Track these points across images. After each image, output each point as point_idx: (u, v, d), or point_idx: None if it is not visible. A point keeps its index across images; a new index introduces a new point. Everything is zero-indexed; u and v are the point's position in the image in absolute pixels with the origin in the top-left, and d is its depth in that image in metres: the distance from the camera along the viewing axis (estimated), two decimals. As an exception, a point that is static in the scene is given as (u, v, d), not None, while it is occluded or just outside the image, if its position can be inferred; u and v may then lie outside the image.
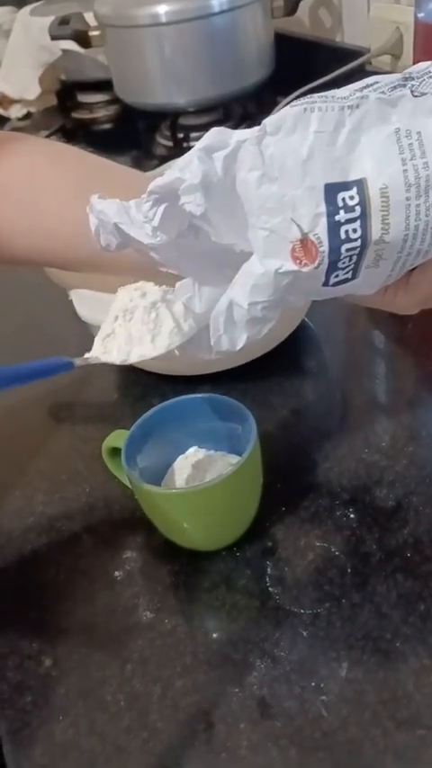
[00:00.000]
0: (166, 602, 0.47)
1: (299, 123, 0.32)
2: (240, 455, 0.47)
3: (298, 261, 0.33)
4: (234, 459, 0.50)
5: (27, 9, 1.30)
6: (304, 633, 0.44)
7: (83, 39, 1.05)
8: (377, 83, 0.34)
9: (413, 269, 0.38)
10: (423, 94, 0.33)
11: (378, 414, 0.59)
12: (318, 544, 0.48)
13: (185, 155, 0.34)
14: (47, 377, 0.47)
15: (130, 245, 0.37)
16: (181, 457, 0.52)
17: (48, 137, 1.27)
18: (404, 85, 0.33)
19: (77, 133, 1.30)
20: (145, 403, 0.64)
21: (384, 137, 0.32)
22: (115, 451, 0.50)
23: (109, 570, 0.50)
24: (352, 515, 0.50)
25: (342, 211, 0.32)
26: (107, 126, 1.30)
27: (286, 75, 1.04)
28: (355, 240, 0.33)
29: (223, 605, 0.46)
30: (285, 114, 0.32)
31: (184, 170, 0.33)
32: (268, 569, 0.48)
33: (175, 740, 0.40)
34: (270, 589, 0.46)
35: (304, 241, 0.33)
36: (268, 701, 0.41)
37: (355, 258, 0.34)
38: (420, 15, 0.68)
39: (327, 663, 0.42)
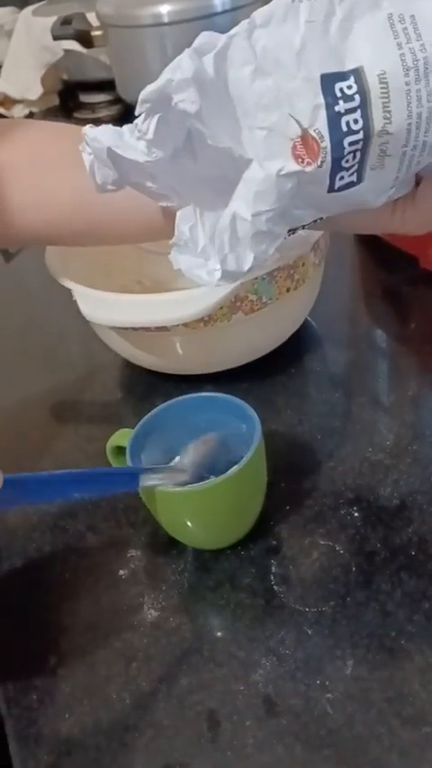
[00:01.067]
0: (171, 601, 0.47)
1: (289, 13, 0.31)
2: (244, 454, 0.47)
3: (300, 160, 0.32)
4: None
5: (29, 9, 1.30)
6: (309, 631, 0.44)
7: (85, 39, 1.05)
8: None
9: (418, 184, 0.38)
10: None
11: (382, 413, 0.59)
12: (322, 543, 0.49)
13: (174, 60, 0.32)
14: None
15: (126, 179, 0.36)
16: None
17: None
18: None
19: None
20: (148, 402, 0.64)
21: (377, 22, 0.31)
22: (119, 450, 0.50)
23: (114, 569, 0.50)
24: (356, 514, 0.50)
25: (341, 101, 0.31)
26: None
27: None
28: (358, 132, 0.32)
29: (228, 604, 0.46)
30: (274, 6, 0.31)
31: (174, 70, 0.31)
32: (273, 568, 0.48)
33: (180, 738, 0.40)
34: (275, 587, 0.46)
35: (305, 137, 0.31)
36: (273, 698, 0.41)
37: (358, 155, 0.33)
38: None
39: (332, 661, 0.42)
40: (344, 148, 0.32)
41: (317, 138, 0.31)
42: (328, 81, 0.31)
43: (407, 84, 0.31)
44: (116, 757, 0.40)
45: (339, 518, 0.50)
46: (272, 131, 0.32)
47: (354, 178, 0.33)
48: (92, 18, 1.09)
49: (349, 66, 0.31)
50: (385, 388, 0.63)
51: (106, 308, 0.57)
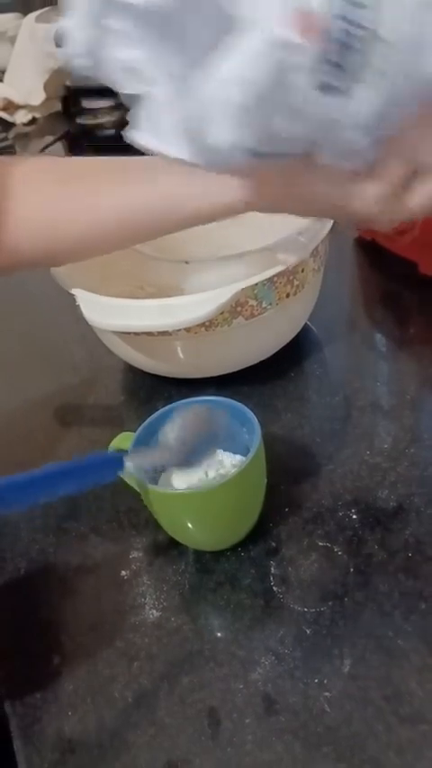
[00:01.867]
0: (172, 601, 0.48)
1: None
2: (245, 456, 0.48)
3: (300, 31, 0.31)
4: (239, 459, 0.51)
5: (32, 16, 1.32)
6: (308, 631, 0.44)
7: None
8: None
9: None
10: None
11: (380, 416, 0.60)
12: (321, 544, 0.49)
13: None
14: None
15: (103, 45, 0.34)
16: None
17: (53, 142, 1.29)
18: None
19: (82, 138, 1.31)
20: (150, 406, 0.65)
21: None
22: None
23: (116, 569, 0.51)
24: (354, 516, 0.51)
25: None
26: (111, 131, 1.31)
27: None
28: (362, 28, 0.31)
29: (228, 604, 0.47)
30: None
31: None
32: (272, 569, 0.48)
33: (181, 735, 0.41)
34: (274, 588, 0.47)
35: (309, 12, 0.30)
36: (273, 697, 0.42)
37: (353, 54, 0.31)
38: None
39: (330, 660, 0.43)
40: (341, 35, 0.31)
41: (321, 14, 0.30)
42: None
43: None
44: (119, 755, 0.41)
45: (338, 520, 0.51)
46: None
47: (341, 84, 0.32)
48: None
49: None
50: (384, 392, 0.63)
51: (109, 312, 0.58)
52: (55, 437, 0.66)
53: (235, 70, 0.31)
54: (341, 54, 0.31)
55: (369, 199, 0.39)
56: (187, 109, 0.34)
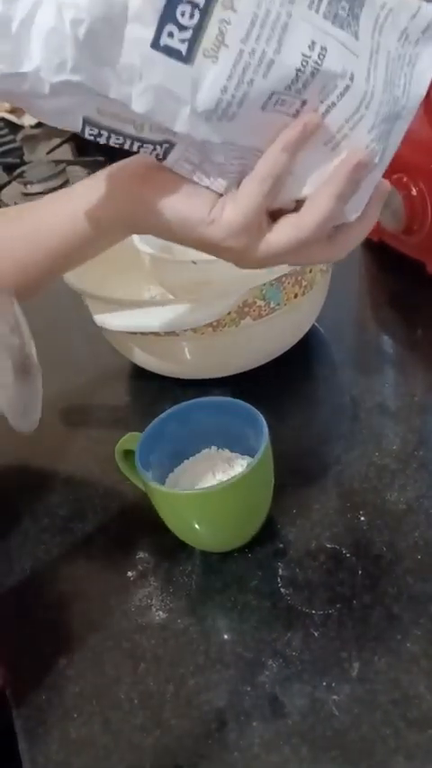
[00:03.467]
0: (179, 603, 0.48)
1: None
2: (253, 456, 0.47)
3: None
4: (246, 460, 0.51)
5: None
6: (315, 633, 0.44)
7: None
8: None
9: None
10: None
11: (388, 418, 0.60)
12: (329, 546, 0.49)
13: None
14: None
15: None
16: (193, 458, 0.53)
17: (60, 144, 1.29)
18: None
19: (89, 141, 1.31)
20: (157, 407, 0.64)
21: None
22: (128, 454, 0.51)
23: (122, 570, 0.51)
24: (362, 518, 0.51)
25: None
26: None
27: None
28: None
29: (235, 606, 0.47)
30: None
31: None
32: (280, 570, 0.48)
33: (188, 738, 0.41)
34: (282, 590, 0.47)
35: None
36: (280, 699, 0.41)
37: (197, 15, 0.30)
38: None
39: (338, 663, 0.42)
40: None
41: None
42: None
43: None
44: (124, 757, 0.41)
45: (346, 522, 0.51)
46: None
47: (183, 48, 0.30)
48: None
49: None
50: (392, 394, 0.63)
51: (116, 313, 0.58)
52: (61, 438, 0.66)
53: None
54: (182, 9, 0.29)
55: (225, 226, 0.37)
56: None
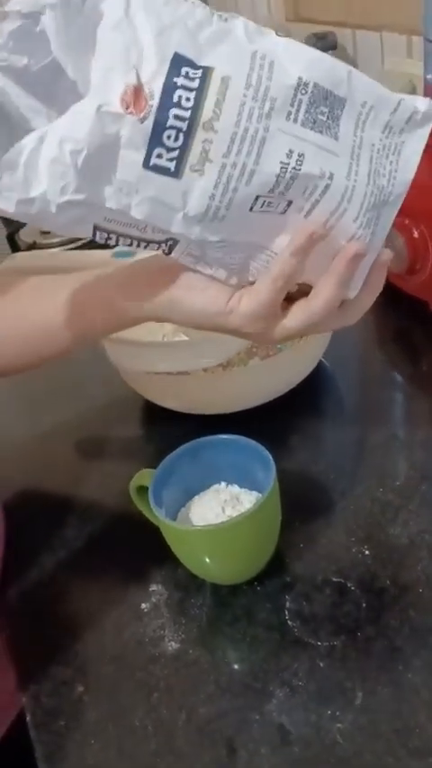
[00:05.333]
0: (191, 634, 0.50)
1: (171, 1, 0.34)
2: (261, 492, 0.50)
3: (126, 105, 0.33)
4: (255, 496, 0.53)
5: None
6: (321, 664, 0.46)
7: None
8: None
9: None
10: (286, 38, 0.35)
11: (392, 453, 0.62)
12: (334, 580, 0.51)
13: None
14: None
15: None
16: (204, 493, 0.55)
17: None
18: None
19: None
20: (168, 441, 0.66)
21: (242, 50, 0.34)
22: (142, 489, 0.53)
23: (136, 602, 0.53)
24: (367, 552, 0.53)
25: (182, 78, 0.33)
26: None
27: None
28: (186, 110, 0.33)
29: (244, 637, 0.49)
30: None
31: None
32: (287, 603, 0.50)
33: (199, 764, 0.43)
34: (289, 622, 0.49)
35: (138, 89, 0.33)
36: (287, 727, 0.43)
37: (181, 138, 0.33)
38: (429, 77, 0.72)
39: (342, 693, 0.44)
40: (168, 118, 0.33)
41: (148, 94, 0.33)
42: (179, 60, 0.33)
43: (244, 96, 0.34)
44: (139, 782, 0.43)
45: (351, 556, 0.53)
46: (111, 71, 0.33)
47: (171, 166, 0.34)
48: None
49: (203, 63, 0.34)
50: (396, 429, 0.65)
51: (131, 354, 0.61)
52: (76, 470, 0.68)
53: (68, 130, 0.33)
54: (168, 134, 0.33)
55: (243, 316, 0.40)
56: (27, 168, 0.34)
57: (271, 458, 0.50)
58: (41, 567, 0.58)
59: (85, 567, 0.57)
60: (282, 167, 0.35)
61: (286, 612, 0.50)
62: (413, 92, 1.00)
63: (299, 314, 0.40)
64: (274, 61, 0.34)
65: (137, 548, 0.57)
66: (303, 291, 0.41)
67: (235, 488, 0.55)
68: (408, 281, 0.78)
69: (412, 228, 0.72)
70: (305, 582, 0.51)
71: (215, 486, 0.55)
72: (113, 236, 0.37)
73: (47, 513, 0.64)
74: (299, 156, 0.35)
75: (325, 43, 1.09)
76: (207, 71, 0.33)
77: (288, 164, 0.35)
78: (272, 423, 0.67)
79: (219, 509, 0.53)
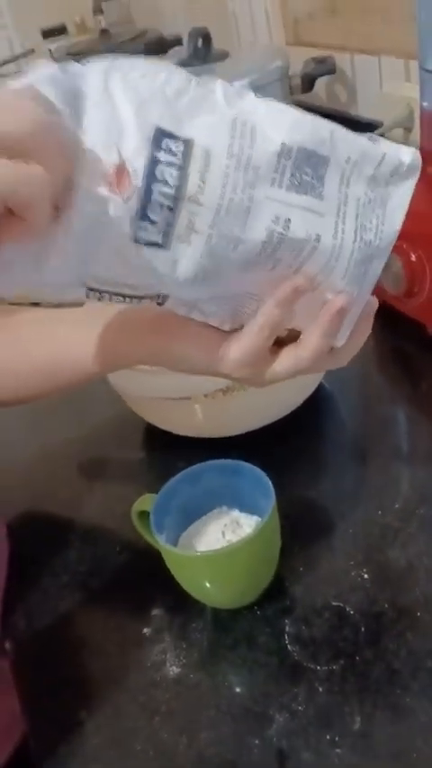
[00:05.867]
0: (191, 658, 0.51)
1: (149, 73, 0.34)
2: (261, 516, 0.51)
3: (109, 186, 0.33)
4: (254, 520, 0.54)
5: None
6: (320, 688, 0.47)
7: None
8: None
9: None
10: (265, 99, 0.35)
11: (391, 475, 0.63)
12: (333, 604, 0.52)
13: None
14: None
15: None
16: (204, 517, 0.56)
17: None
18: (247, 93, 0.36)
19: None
20: (170, 464, 0.67)
21: (222, 117, 0.34)
22: (144, 514, 0.54)
23: (138, 627, 0.54)
24: (366, 575, 0.53)
25: (164, 153, 0.33)
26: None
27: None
28: (171, 186, 0.33)
29: (245, 661, 0.50)
30: (139, 60, 0.34)
31: (35, 71, 0.32)
32: (287, 627, 0.51)
33: (199, 789, 0.43)
34: (288, 646, 0.50)
35: (121, 168, 0.33)
36: (287, 752, 0.44)
37: (166, 212, 0.34)
38: (425, 104, 0.73)
39: (341, 717, 0.45)
40: (152, 194, 0.33)
41: (131, 172, 0.33)
42: (160, 134, 0.33)
43: (227, 167, 0.34)
44: (140, 807, 0.43)
45: (350, 579, 0.53)
46: (93, 151, 0.33)
47: (159, 239, 0.34)
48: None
49: (184, 135, 0.34)
50: (395, 452, 0.66)
51: (131, 379, 0.62)
52: (78, 492, 0.69)
53: (62, 212, 0.34)
54: (153, 209, 0.34)
55: (232, 363, 0.41)
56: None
57: (270, 484, 0.51)
58: (45, 591, 0.58)
59: (88, 591, 0.58)
60: (268, 234, 0.35)
61: (286, 637, 0.50)
62: (411, 115, 1.02)
63: (287, 361, 0.41)
64: (256, 126, 0.34)
65: (139, 571, 0.58)
66: (293, 336, 0.41)
67: (235, 512, 0.56)
68: (406, 304, 0.79)
69: (410, 252, 0.74)
70: (305, 606, 0.52)
71: (216, 511, 0.56)
72: (106, 296, 0.38)
73: (50, 536, 0.64)
74: (285, 221, 0.35)
75: (324, 67, 1.11)
76: (188, 143, 0.34)
77: (274, 230, 0.35)
78: (272, 445, 0.67)
79: (219, 534, 0.53)
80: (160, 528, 0.51)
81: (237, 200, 0.34)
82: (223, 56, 1.08)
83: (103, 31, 1.58)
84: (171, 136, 0.33)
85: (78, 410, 0.81)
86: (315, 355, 0.40)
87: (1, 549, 0.62)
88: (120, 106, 0.33)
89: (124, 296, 0.38)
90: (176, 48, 1.50)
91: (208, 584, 0.51)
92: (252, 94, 0.35)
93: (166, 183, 0.33)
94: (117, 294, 0.38)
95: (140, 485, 0.68)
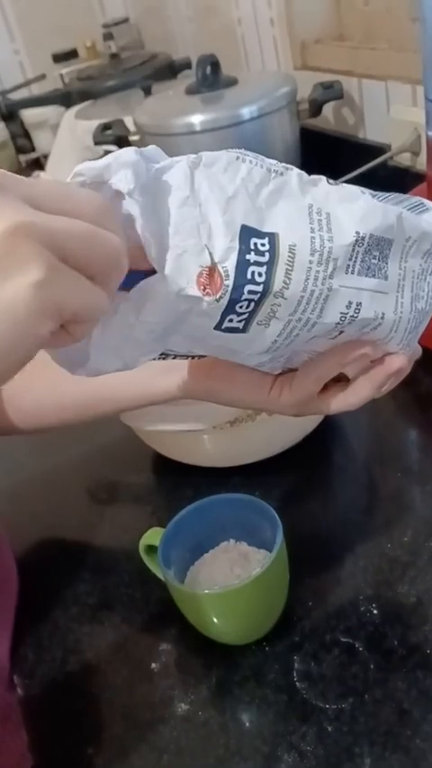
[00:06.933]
0: (200, 695, 0.50)
1: (230, 167, 0.35)
2: (269, 548, 0.51)
3: (202, 287, 0.34)
4: (262, 553, 0.54)
5: (72, 112, 1.41)
6: (329, 728, 0.46)
7: (123, 143, 1.13)
8: (291, 169, 0.37)
9: (295, 370, 0.43)
10: (336, 184, 0.37)
11: (401, 507, 0.62)
12: (343, 640, 0.51)
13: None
14: None
15: None
16: (212, 551, 0.56)
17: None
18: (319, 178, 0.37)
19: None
20: (178, 493, 0.68)
21: (299, 206, 0.35)
22: (151, 548, 0.54)
23: (146, 662, 0.53)
24: (375, 611, 0.53)
25: (253, 253, 0.34)
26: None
27: (312, 167, 1.10)
28: (259, 284, 0.34)
29: (253, 699, 0.49)
30: (220, 155, 0.35)
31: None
32: (295, 664, 0.51)
33: None
34: (297, 684, 0.49)
35: (212, 270, 0.34)
36: (295, 795, 0.43)
37: (252, 306, 0.35)
38: (430, 133, 0.73)
39: (350, 758, 0.44)
40: (242, 293, 0.35)
41: (223, 274, 0.34)
42: (247, 232, 0.34)
43: (310, 262, 0.35)
44: None
45: (359, 615, 0.53)
46: (184, 253, 0.34)
47: (240, 326, 0.36)
48: (129, 122, 1.18)
49: (267, 229, 0.35)
50: (405, 482, 0.66)
51: (143, 414, 0.62)
52: (87, 521, 0.69)
53: (148, 313, 0.35)
54: (240, 305, 0.35)
55: (285, 407, 0.44)
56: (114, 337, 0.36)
57: (278, 519, 0.51)
58: (55, 624, 0.58)
59: (97, 624, 0.58)
60: (341, 317, 0.37)
61: (294, 674, 0.50)
62: (418, 139, 1.02)
63: (335, 403, 0.45)
64: (330, 215, 0.36)
65: (147, 605, 0.58)
66: (336, 378, 0.44)
67: (243, 546, 0.55)
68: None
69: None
70: (313, 642, 0.52)
71: (223, 545, 0.56)
72: (171, 355, 0.40)
73: (59, 567, 0.64)
74: (357, 305, 0.37)
75: (332, 92, 1.11)
76: (273, 239, 0.35)
77: (347, 313, 0.37)
78: (280, 474, 0.67)
79: (227, 568, 0.53)
80: (168, 563, 0.51)
81: (317, 291, 0.36)
82: (232, 82, 1.09)
83: (114, 56, 1.60)
84: (257, 233, 0.34)
85: (84, 433, 0.81)
86: (363, 402, 0.44)
87: (10, 581, 0.62)
88: (206, 205, 0.34)
89: (192, 356, 0.41)
90: (185, 71, 1.52)
91: (216, 621, 0.51)
92: (324, 180, 0.37)
93: (254, 281, 0.34)
94: (184, 355, 0.41)
95: (148, 513, 0.68)
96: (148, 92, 1.37)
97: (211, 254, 0.34)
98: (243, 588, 0.48)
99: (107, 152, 1.28)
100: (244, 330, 0.36)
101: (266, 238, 0.35)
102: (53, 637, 0.57)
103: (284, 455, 0.69)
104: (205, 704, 0.50)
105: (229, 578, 0.52)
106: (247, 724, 0.48)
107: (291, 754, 0.46)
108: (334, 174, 0.41)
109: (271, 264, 0.35)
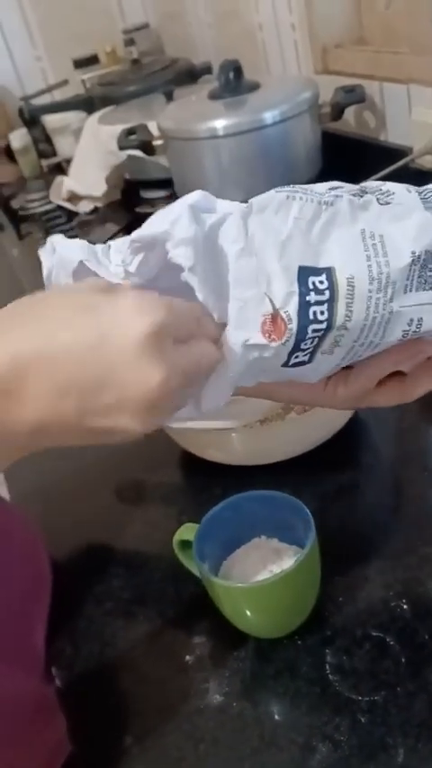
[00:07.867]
0: (234, 687, 0.52)
1: (282, 208, 0.36)
2: (300, 545, 0.52)
3: (267, 335, 0.35)
4: (294, 549, 0.55)
5: (95, 117, 1.43)
6: (362, 719, 0.47)
7: (147, 148, 1.15)
8: (341, 187, 0.38)
9: (349, 366, 0.43)
10: (387, 204, 0.37)
11: (428, 505, 0.63)
12: (374, 634, 0.52)
13: (171, 208, 0.36)
14: None
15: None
16: (244, 547, 0.57)
17: (116, 233, 1.37)
18: (364, 194, 0.38)
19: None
20: (208, 492, 0.69)
21: (352, 234, 0.36)
22: (185, 543, 0.55)
23: (181, 654, 0.55)
24: (405, 606, 0.54)
25: (313, 293, 0.35)
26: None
27: (334, 170, 1.11)
28: (322, 323, 0.36)
29: (287, 691, 0.50)
30: (271, 198, 0.36)
31: (174, 224, 0.35)
32: (328, 657, 0.52)
33: None
34: (330, 676, 0.50)
35: (275, 316, 0.35)
36: (331, 784, 0.45)
37: (316, 341, 0.37)
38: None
39: (384, 749, 0.45)
40: (307, 333, 0.36)
41: (286, 319, 0.35)
42: (305, 273, 0.35)
43: (369, 291, 0.36)
44: None
45: (390, 610, 0.54)
46: (246, 304, 0.35)
47: (306, 358, 0.38)
48: (152, 126, 1.19)
49: (324, 264, 0.36)
50: (431, 481, 0.66)
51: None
52: (118, 521, 0.70)
53: (218, 378, 0.37)
54: (306, 343, 0.36)
55: (340, 402, 0.45)
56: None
57: (311, 516, 0.52)
58: (89, 619, 0.60)
59: (131, 619, 0.59)
60: (404, 334, 0.38)
61: (327, 667, 0.51)
62: (440, 142, 1.03)
63: (391, 396, 0.44)
64: (384, 236, 0.36)
65: (180, 599, 0.59)
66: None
67: (275, 542, 0.57)
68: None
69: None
70: (345, 636, 0.53)
71: (255, 541, 0.57)
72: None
73: (92, 564, 0.66)
74: (418, 321, 0.38)
75: (353, 96, 1.12)
76: (331, 274, 0.35)
77: (409, 330, 0.38)
78: (310, 473, 0.68)
79: (260, 564, 0.54)
80: (202, 557, 0.53)
81: (378, 317, 0.36)
82: (254, 87, 1.10)
83: (135, 61, 1.62)
84: (314, 271, 0.35)
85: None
86: (419, 396, 0.44)
87: (45, 577, 0.63)
88: (262, 253, 0.35)
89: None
90: (206, 76, 1.54)
91: (249, 615, 0.52)
92: (374, 201, 0.37)
93: (317, 320, 0.35)
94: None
95: (179, 511, 0.69)
96: (169, 97, 1.38)
97: (272, 301, 0.35)
98: (278, 582, 0.49)
99: (130, 157, 1.30)
100: (309, 361, 0.38)
101: (324, 274, 0.35)
102: (89, 631, 0.59)
103: (311, 454, 0.70)
104: (239, 696, 0.51)
105: (263, 574, 0.53)
106: (282, 715, 0.50)
107: (325, 744, 0.47)
108: (356, 177, 0.42)
109: (332, 301, 0.35)
